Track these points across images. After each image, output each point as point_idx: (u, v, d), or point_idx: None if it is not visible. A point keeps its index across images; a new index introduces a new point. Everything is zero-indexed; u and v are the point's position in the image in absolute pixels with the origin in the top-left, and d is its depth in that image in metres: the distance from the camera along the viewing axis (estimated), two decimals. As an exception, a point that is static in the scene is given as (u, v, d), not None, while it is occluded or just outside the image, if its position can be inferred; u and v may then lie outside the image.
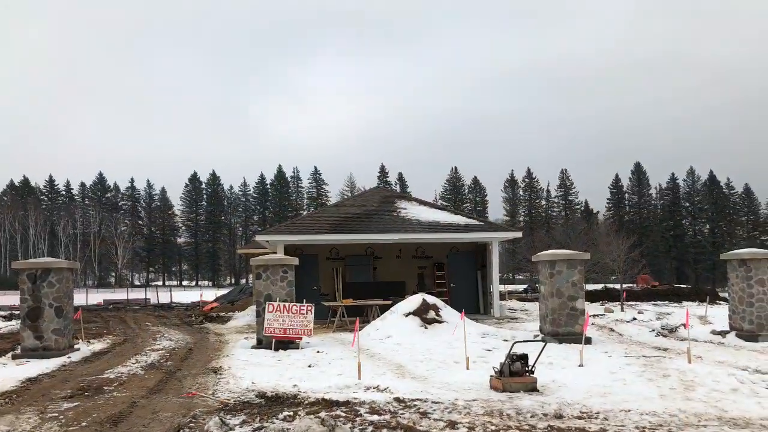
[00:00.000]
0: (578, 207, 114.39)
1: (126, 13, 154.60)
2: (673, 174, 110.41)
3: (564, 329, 14.14)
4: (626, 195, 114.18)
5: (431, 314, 15.73)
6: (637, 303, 29.77)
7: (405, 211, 24.06)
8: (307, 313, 14.02)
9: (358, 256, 24.48)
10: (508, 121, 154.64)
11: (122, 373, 11.06)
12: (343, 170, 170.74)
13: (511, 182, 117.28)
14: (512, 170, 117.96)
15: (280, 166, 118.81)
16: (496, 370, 8.87)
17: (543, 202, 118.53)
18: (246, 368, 11.00)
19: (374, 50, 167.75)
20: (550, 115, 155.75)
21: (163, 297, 47.30)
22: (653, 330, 16.94)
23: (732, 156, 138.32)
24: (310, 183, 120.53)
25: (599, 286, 39.70)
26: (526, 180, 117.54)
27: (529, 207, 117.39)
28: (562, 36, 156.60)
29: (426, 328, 15.22)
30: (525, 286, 56.14)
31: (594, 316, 20.78)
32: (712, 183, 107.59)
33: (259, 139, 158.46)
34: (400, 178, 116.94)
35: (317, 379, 9.76)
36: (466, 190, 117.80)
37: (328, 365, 11.40)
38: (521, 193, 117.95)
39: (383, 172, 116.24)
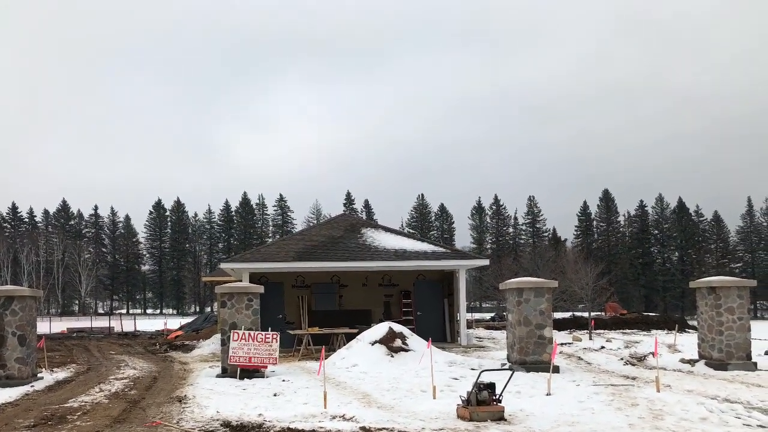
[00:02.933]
0: (546, 234, 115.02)
1: (88, 39, 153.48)
2: (641, 201, 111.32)
3: (531, 357, 14.10)
4: (594, 222, 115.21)
5: (398, 342, 15.64)
6: (606, 331, 29.96)
7: (371, 238, 23.98)
8: (272, 342, 13.82)
9: (324, 284, 24.27)
10: (475, 147, 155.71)
11: (86, 402, 10.81)
12: (309, 197, 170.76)
13: (479, 209, 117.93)
14: (479, 197, 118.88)
15: (245, 193, 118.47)
16: (463, 399, 8.78)
17: (510, 230, 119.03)
18: (211, 397, 10.79)
19: (339, 77, 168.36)
20: (518, 142, 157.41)
21: (127, 325, 46.57)
22: (622, 358, 17.02)
23: (701, 183, 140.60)
24: (275, 210, 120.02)
25: (567, 315, 39.87)
26: (494, 207, 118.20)
27: (496, 234, 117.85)
28: (527, 62, 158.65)
29: (393, 356, 15.12)
30: (492, 315, 56.08)
31: (562, 344, 20.84)
32: (681, 210, 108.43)
33: (224, 166, 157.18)
34: (366, 205, 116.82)
35: (283, 408, 9.58)
36: (433, 218, 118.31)
37: (293, 394, 11.25)
38: (488, 220, 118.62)
39: (349, 199, 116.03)
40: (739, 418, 8.51)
